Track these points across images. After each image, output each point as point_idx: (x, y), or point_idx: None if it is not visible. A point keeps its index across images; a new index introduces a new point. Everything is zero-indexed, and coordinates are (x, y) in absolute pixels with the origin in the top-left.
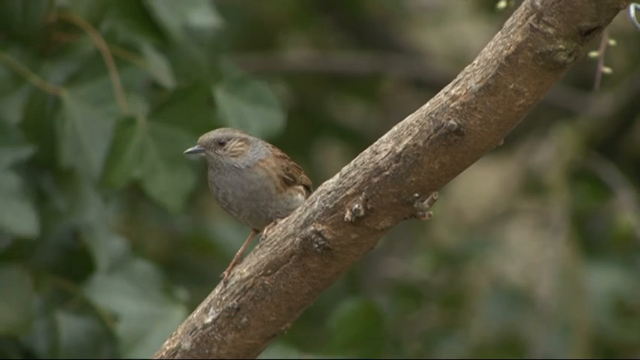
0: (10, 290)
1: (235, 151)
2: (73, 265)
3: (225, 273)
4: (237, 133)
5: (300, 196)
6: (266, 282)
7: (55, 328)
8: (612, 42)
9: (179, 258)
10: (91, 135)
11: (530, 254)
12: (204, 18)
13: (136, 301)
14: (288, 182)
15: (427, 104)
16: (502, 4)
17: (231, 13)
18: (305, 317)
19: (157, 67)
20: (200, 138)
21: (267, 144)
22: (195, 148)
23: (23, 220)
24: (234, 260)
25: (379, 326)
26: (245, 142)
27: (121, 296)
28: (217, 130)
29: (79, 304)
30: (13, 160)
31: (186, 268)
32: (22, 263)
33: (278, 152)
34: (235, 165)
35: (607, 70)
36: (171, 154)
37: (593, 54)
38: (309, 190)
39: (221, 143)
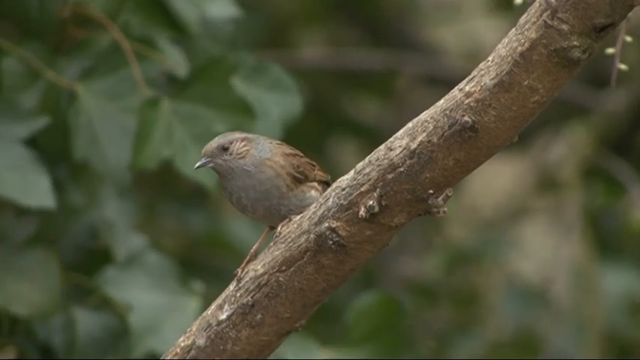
0: (37, 272)
1: (241, 152)
2: (90, 262)
3: (239, 270)
4: (237, 135)
5: (313, 193)
6: (280, 279)
7: (72, 323)
8: (629, 39)
9: (194, 255)
10: (106, 129)
11: (544, 252)
12: (223, 9)
13: (150, 292)
14: (299, 180)
15: (441, 101)
16: (519, 0)
17: (249, 9)
18: (321, 316)
19: (174, 59)
20: (203, 150)
21: (272, 140)
22: (203, 161)
23: (38, 192)
24: (248, 257)
25: (398, 319)
26: (247, 140)
27: (134, 287)
28: (217, 137)
29: (97, 301)
30: (27, 132)
31: (202, 265)
32: (49, 247)
33: (287, 150)
34: (245, 167)
35: (623, 67)
36: (199, 131)
37: (610, 51)
38: (328, 185)
39: (225, 148)
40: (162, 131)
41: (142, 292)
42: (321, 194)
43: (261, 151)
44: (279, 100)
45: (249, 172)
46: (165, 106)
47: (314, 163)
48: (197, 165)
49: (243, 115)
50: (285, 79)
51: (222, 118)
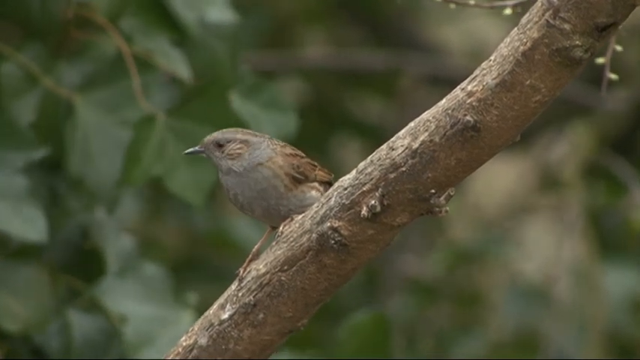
0: (27, 288)
1: (232, 154)
2: (82, 263)
3: (241, 269)
4: (239, 135)
5: (314, 193)
6: (282, 278)
7: (67, 326)
8: (619, 48)
9: (197, 254)
10: (101, 144)
11: (546, 251)
12: (221, 13)
13: (144, 304)
14: (299, 180)
15: (443, 100)
16: (508, 11)
17: (250, 9)
18: (323, 315)
19: (175, 61)
20: (202, 139)
21: (277, 142)
22: (196, 148)
23: (32, 226)
24: (250, 257)
25: (386, 339)
26: (245, 144)
27: (129, 299)
28: (220, 130)
29: (91, 303)
30: (25, 162)
31: (204, 264)
32: (39, 261)
33: (288, 150)
34: (233, 168)
35: (614, 76)
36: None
37: (600, 60)
38: (331, 185)
39: (220, 145)
40: (154, 148)
41: (135, 304)
42: (322, 194)
43: (257, 156)
44: (275, 119)
45: (236, 172)
46: (160, 122)
47: (315, 164)
48: (189, 150)
49: None
50: (282, 99)
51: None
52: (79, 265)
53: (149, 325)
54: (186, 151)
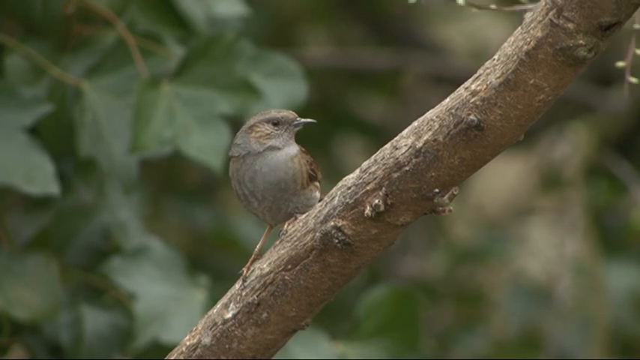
0: (36, 277)
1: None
2: (103, 263)
3: (244, 269)
4: None
5: (317, 193)
6: (286, 277)
7: (79, 321)
8: (639, 52)
9: (200, 254)
10: (111, 125)
11: (549, 250)
12: (231, 7)
13: (156, 283)
14: (311, 178)
15: (447, 99)
16: (529, 15)
17: (253, 8)
18: (327, 314)
19: (179, 55)
20: (293, 113)
21: None
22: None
23: (42, 179)
24: (252, 256)
25: (411, 312)
26: None
27: (140, 277)
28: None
29: (111, 301)
30: (31, 120)
31: (207, 263)
32: (49, 252)
33: (302, 148)
34: (290, 148)
35: (634, 80)
36: (202, 113)
37: (620, 64)
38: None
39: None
40: (163, 113)
41: (147, 282)
42: (320, 194)
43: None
44: (282, 87)
45: (288, 155)
46: (165, 88)
47: (316, 163)
48: (309, 120)
49: (247, 94)
50: (289, 66)
51: (225, 98)
52: (101, 265)
53: (160, 303)
54: (308, 120)
